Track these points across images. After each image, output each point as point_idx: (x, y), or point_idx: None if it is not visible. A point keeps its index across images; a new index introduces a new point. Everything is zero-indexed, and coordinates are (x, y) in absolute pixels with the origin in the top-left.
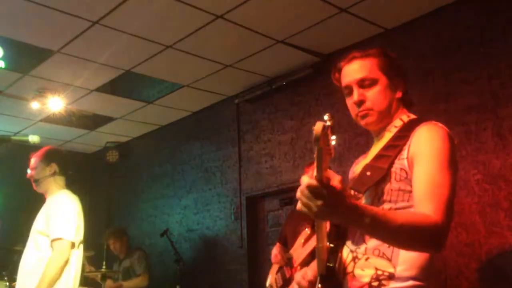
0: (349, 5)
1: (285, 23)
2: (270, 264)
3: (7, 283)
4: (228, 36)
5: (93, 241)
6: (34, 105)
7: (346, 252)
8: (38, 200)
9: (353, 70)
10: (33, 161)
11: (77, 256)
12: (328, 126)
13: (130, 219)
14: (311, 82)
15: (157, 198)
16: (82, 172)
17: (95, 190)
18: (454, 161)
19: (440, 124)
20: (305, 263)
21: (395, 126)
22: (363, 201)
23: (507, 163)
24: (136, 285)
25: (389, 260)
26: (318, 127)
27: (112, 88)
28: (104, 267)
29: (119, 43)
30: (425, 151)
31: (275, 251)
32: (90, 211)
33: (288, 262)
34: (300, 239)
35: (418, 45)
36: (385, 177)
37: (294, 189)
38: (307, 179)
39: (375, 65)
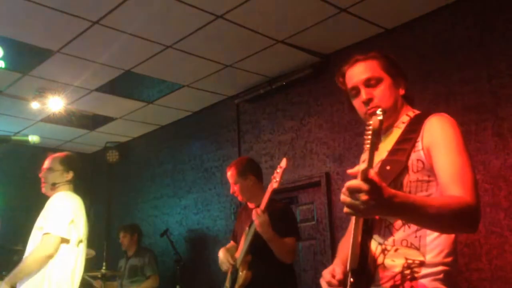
0: (349, 5)
1: (285, 23)
2: None
3: None
4: (228, 36)
5: (93, 241)
6: (34, 105)
7: (375, 245)
8: (38, 200)
9: (358, 72)
10: (51, 162)
11: (77, 255)
12: (382, 121)
13: (130, 219)
14: (311, 82)
15: (157, 198)
16: (82, 172)
17: (95, 190)
18: (467, 146)
19: (447, 115)
20: (245, 262)
21: (403, 122)
22: None
23: (507, 163)
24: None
25: (417, 249)
26: (376, 121)
27: (112, 88)
28: (104, 267)
29: (119, 43)
30: (441, 139)
31: (222, 256)
32: (90, 211)
33: (234, 268)
34: (243, 237)
35: (418, 45)
36: (404, 169)
37: (294, 189)
38: (349, 182)
39: (378, 66)
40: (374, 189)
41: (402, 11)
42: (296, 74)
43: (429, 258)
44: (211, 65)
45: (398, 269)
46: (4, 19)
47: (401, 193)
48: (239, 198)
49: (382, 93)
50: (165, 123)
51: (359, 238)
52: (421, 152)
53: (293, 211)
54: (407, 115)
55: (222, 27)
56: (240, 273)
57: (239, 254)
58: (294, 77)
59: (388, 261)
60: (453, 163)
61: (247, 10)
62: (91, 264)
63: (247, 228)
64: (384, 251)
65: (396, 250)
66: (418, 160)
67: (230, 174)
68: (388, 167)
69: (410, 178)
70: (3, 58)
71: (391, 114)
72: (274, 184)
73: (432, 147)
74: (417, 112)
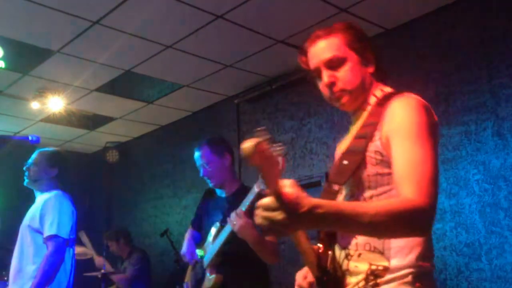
0: (349, 5)
1: (285, 23)
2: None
3: (7, 283)
4: (228, 36)
5: (93, 241)
6: (34, 105)
7: (338, 250)
8: None
9: (319, 51)
10: (37, 157)
11: (71, 255)
12: (261, 141)
13: (130, 219)
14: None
15: (157, 198)
16: (82, 172)
17: (95, 190)
18: (433, 134)
19: (414, 96)
20: (214, 264)
21: (370, 104)
22: (344, 192)
23: (507, 163)
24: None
25: (382, 253)
26: (246, 147)
27: (112, 88)
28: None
29: (119, 43)
30: (399, 127)
31: (184, 248)
32: (90, 211)
33: (199, 265)
34: (212, 233)
35: (418, 45)
36: (361, 163)
37: None
38: (261, 201)
39: (342, 42)
40: (286, 205)
41: (402, 11)
42: (296, 74)
43: (394, 262)
44: (211, 65)
45: (362, 275)
46: (4, 19)
47: (327, 202)
48: (212, 181)
49: (346, 75)
50: (165, 123)
51: (308, 245)
52: (379, 143)
53: None
54: (374, 95)
55: (222, 27)
56: (209, 276)
57: (206, 252)
58: (294, 77)
59: (352, 267)
60: (408, 155)
61: (247, 10)
62: (91, 265)
63: (218, 224)
64: (347, 256)
65: (359, 255)
66: (376, 151)
67: (202, 153)
68: (345, 162)
69: (368, 171)
70: (3, 58)
71: (358, 96)
72: (261, 185)
73: (390, 136)
74: (386, 91)
